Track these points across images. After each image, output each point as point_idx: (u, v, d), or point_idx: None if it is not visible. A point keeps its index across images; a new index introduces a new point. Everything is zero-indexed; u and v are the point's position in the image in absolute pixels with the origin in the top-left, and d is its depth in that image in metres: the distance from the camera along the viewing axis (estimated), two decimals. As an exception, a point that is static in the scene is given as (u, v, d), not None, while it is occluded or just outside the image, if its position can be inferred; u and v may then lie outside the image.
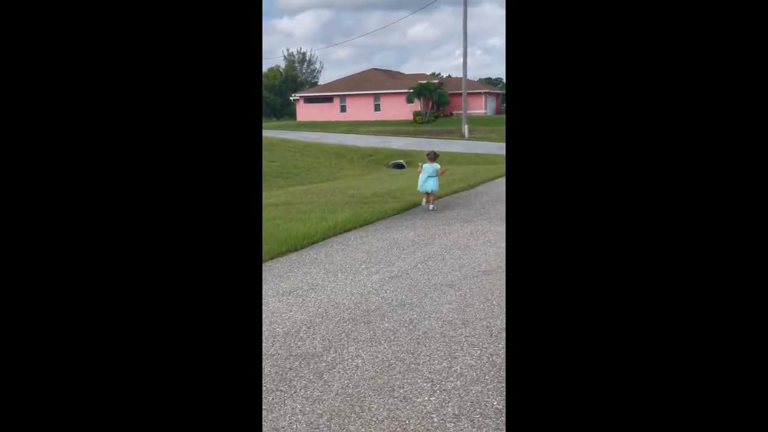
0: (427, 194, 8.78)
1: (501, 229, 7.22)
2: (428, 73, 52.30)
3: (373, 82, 44.54)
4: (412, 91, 40.00)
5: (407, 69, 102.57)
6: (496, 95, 49.08)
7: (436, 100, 40.71)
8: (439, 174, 8.77)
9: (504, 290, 4.67)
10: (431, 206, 8.72)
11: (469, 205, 9.32)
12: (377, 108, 43.38)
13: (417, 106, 40.63)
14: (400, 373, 3.23)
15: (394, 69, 53.29)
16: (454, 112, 39.55)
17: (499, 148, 21.67)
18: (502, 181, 12.60)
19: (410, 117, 40.43)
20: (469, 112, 42.88)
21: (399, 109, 41.22)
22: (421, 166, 8.73)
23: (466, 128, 28.27)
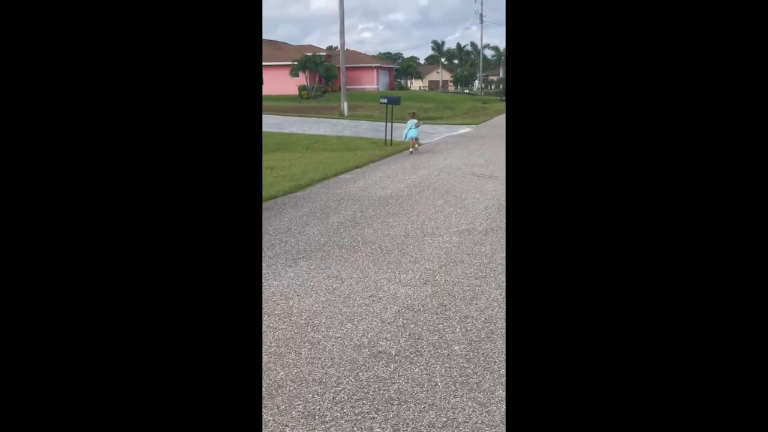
0: (413, 140, 12.90)
1: (294, 274, 4.46)
2: (325, 47, 49.00)
3: (256, 53, 40.46)
4: (296, 63, 36.66)
5: (310, 42, 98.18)
6: (389, 70, 46.78)
7: (323, 73, 37.62)
8: (417, 126, 13.09)
9: None
10: (411, 150, 12.82)
11: (273, 221, 6.52)
12: (260, 82, 39.52)
13: (303, 80, 37.35)
14: None
15: (296, 42, 50.08)
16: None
17: (373, 129, 18.78)
18: (350, 176, 9.76)
19: (296, 92, 37.10)
20: (361, 87, 40.25)
21: (284, 84, 37.69)
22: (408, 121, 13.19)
23: (345, 105, 25.28)
